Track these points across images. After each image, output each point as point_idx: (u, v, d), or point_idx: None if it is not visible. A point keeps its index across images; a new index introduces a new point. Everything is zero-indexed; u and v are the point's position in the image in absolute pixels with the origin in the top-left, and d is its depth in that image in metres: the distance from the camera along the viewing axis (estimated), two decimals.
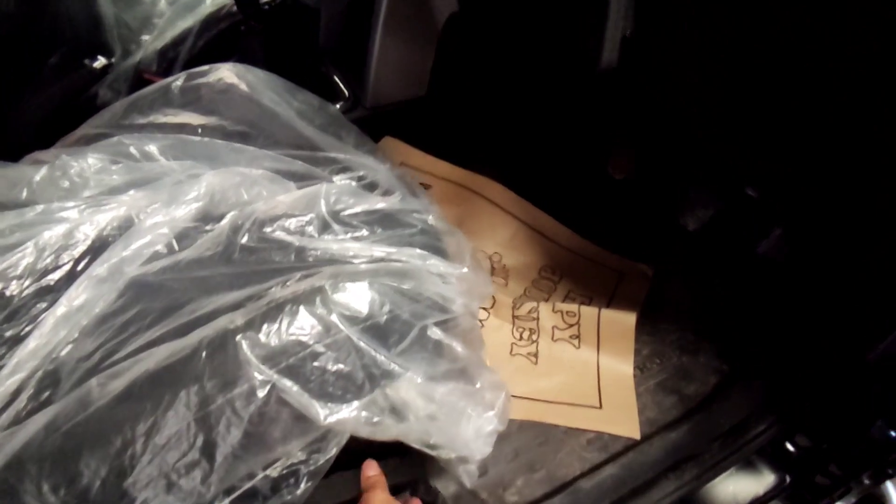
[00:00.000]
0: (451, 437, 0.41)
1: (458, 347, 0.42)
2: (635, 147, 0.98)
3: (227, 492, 0.35)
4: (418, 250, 0.43)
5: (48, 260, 0.46)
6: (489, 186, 1.01)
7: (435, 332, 0.41)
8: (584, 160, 1.07)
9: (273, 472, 0.36)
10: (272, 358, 0.36)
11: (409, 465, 0.47)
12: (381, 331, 0.38)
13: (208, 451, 0.34)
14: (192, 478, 0.34)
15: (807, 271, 0.78)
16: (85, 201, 0.51)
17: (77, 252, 0.47)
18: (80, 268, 0.46)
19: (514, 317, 0.89)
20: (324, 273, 0.38)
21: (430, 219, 0.48)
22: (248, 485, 0.35)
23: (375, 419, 0.37)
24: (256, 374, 0.35)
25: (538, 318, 0.88)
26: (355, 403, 0.37)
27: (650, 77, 0.69)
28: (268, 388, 0.35)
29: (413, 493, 0.61)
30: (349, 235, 0.43)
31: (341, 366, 0.37)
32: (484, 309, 0.90)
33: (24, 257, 0.46)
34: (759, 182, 0.68)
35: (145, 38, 0.96)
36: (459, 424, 0.40)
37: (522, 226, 1.03)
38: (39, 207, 0.50)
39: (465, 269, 0.45)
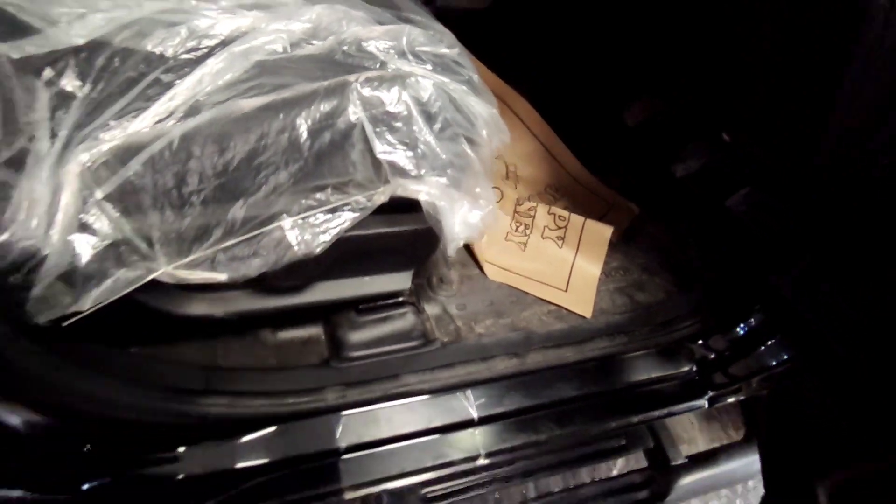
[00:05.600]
0: (448, 215, 0.58)
1: (475, 162, 0.59)
2: (651, 99, 1.13)
3: (304, 194, 0.53)
4: (465, 87, 0.60)
5: (195, 40, 0.63)
6: (519, 103, 1.17)
7: (462, 141, 0.58)
8: (605, 104, 1.23)
9: (334, 198, 0.54)
10: (365, 106, 0.52)
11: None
12: (431, 118, 0.55)
13: (310, 151, 0.52)
14: (294, 168, 0.51)
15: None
16: (223, 8, 0.68)
17: (215, 41, 0.63)
18: (216, 51, 0.63)
19: (515, 211, 1.07)
20: (403, 71, 0.55)
21: (475, 77, 0.64)
22: (321, 196, 0.53)
23: (411, 168, 0.55)
24: (354, 110, 0.52)
25: (534, 217, 1.06)
26: (402, 149, 0.54)
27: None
28: (357, 120, 0.52)
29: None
30: (418, 66, 0.59)
31: (402, 127, 0.53)
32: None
33: (180, 34, 0.63)
34: (734, 128, 0.84)
35: None
36: (454, 208, 0.58)
37: (539, 146, 1.20)
38: (193, 2, 0.66)
39: (495, 110, 0.62)
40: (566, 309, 0.94)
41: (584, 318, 0.93)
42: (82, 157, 0.51)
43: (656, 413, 0.85)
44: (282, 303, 0.67)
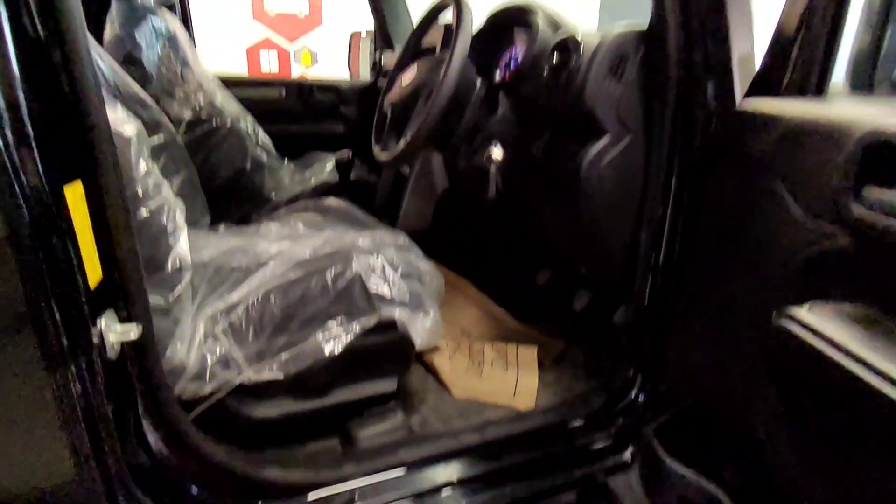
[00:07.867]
0: (413, 324, 1.01)
1: (426, 295, 1.04)
2: (551, 268, 1.66)
3: (329, 319, 0.95)
4: (413, 254, 1.08)
5: (259, 256, 1.13)
6: (464, 285, 1.67)
7: (415, 281, 1.03)
8: (524, 273, 1.75)
9: (346, 320, 0.96)
10: (361, 266, 0.99)
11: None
12: (395, 269, 1.01)
13: (332, 293, 0.95)
14: (323, 303, 0.95)
15: None
16: (269, 240, 1.20)
17: (269, 256, 1.13)
18: (270, 260, 1.12)
19: (470, 352, 1.47)
20: (378, 248, 1.04)
21: (419, 252, 1.14)
22: (340, 318, 0.95)
23: (389, 298, 0.99)
24: (355, 268, 0.98)
25: (484, 353, 1.46)
26: (386, 287, 0.98)
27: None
28: (356, 273, 0.97)
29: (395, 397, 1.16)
30: (385, 247, 1.09)
31: (381, 275, 0.99)
32: (453, 347, 1.49)
33: (249, 254, 1.13)
34: (585, 265, 1.33)
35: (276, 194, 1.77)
36: (416, 320, 1.01)
37: (483, 313, 1.66)
38: (255, 238, 1.19)
39: (431, 264, 1.08)
40: (515, 407, 1.29)
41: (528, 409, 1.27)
42: (208, 310, 0.94)
43: (594, 467, 1.14)
44: (311, 405, 1.03)
